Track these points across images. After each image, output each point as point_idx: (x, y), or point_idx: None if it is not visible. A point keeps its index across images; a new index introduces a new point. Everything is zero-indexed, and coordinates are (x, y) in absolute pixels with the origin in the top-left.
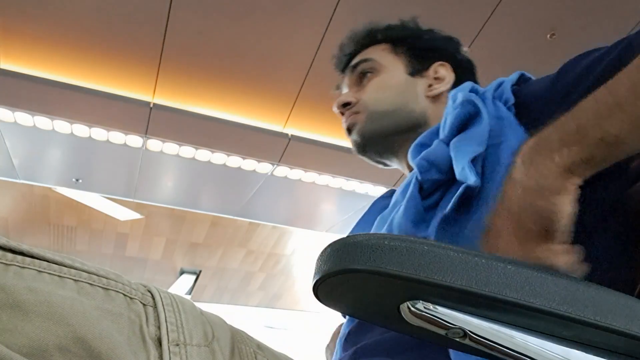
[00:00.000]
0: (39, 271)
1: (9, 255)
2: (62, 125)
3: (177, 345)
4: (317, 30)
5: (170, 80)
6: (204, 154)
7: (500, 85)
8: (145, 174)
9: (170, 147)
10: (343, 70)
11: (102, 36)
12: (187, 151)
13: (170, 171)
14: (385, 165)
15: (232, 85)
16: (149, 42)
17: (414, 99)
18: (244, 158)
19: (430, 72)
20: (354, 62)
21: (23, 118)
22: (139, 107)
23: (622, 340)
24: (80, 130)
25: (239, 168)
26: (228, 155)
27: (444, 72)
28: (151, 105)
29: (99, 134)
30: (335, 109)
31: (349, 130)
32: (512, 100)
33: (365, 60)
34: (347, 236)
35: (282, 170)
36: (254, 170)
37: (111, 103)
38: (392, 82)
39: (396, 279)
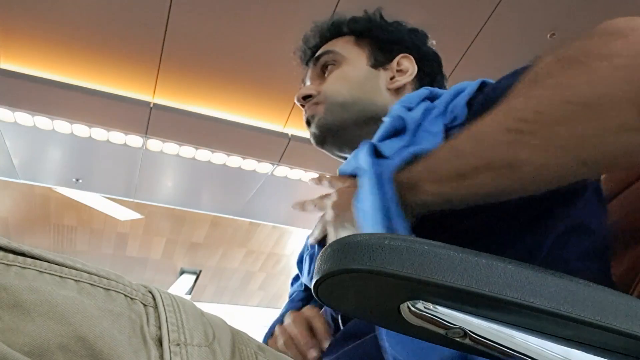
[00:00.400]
0: (40, 271)
1: (10, 256)
2: (62, 125)
3: (178, 345)
4: None
5: (170, 80)
6: (204, 154)
7: (457, 95)
8: (146, 174)
9: (171, 147)
10: (307, 63)
11: (103, 36)
12: (187, 151)
13: (170, 171)
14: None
15: (232, 85)
16: (149, 42)
17: (375, 91)
18: (244, 158)
19: (394, 64)
20: (317, 54)
21: (23, 118)
22: (139, 107)
23: (623, 340)
24: (81, 130)
25: (239, 168)
26: (228, 155)
27: (407, 64)
28: (151, 105)
29: (99, 133)
30: (296, 101)
31: (308, 122)
32: (461, 117)
33: (327, 52)
34: (348, 236)
35: (282, 170)
36: (254, 170)
37: (111, 103)
38: (352, 73)
39: (396, 279)
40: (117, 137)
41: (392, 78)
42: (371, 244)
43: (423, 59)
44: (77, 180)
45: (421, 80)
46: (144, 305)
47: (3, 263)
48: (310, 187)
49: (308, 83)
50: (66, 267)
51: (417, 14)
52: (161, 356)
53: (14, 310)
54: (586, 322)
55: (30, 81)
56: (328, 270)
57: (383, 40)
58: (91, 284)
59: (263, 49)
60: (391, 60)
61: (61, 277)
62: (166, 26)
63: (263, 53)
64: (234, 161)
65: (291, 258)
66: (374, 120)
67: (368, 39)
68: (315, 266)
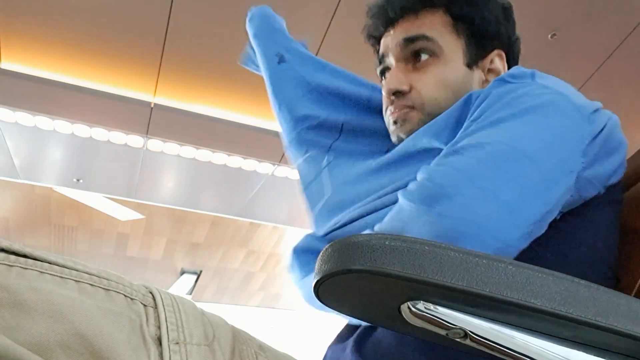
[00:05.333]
0: (41, 272)
1: (12, 257)
2: (63, 125)
3: (177, 343)
4: (318, 30)
5: (171, 80)
6: (204, 154)
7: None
8: (146, 174)
9: (171, 147)
10: (386, 27)
11: (103, 36)
12: (188, 151)
13: (171, 171)
14: None
15: (233, 85)
16: (150, 42)
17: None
18: (244, 158)
19: (486, 62)
20: (410, 34)
21: (24, 118)
22: (140, 107)
23: (623, 340)
24: (81, 130)
25: (240, 168)
26: (229, 155)
27: (499, 64)
28: (152, 105)
29: (99, 134)
30: (384, 93)
31: (396, 122)
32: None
33: (424, 38)
34: (348, 236)
35: (283, 170)
36: (255, 171)
37: (112, 103)
38: (452, 77)
39: (397, 279)
40: (118, 137)
41: (484, 81)
42: (372, 245)
43: (510, 55)
44: (78, 180)
45: None
46: (144, 305)
47: (5, 264)
48: None
49: (392, 63)
50: (67, 268)
51: None
52: (160, 354)
53: (15, 309)
54: (586, 322)
55: (31, 81)
56: (329, 270)
57: (482, 31)
58: (91, 285)
59: None
60: (485, 57)
61: (62, 277)
62: (167, 26)
63: None
64: (235, 161)
65: None
66: None
67: (466, 25)
68: (316, 266)
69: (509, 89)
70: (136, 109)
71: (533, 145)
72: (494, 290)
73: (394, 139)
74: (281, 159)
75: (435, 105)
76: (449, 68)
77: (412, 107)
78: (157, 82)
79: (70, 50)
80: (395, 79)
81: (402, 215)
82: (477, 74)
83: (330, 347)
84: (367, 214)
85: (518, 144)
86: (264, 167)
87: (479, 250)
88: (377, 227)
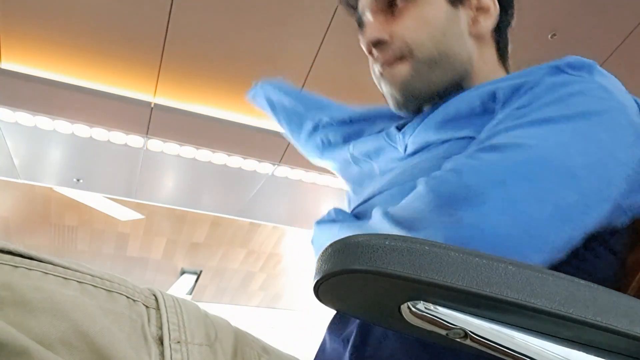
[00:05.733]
0: (45, 273)
1: (17, 258)
2: (63, 125)
3: (179, 342)
4: (318, 30)
5: (171, 80)
6: (204, 154)
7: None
8: (146, 174)
9: (171, 147)
10: None
11: (103, 36)
12: (188, 151)
13: (171, 171)
14: None
15: (233, 85)
16: (151, 42)
17: (459, 39)
18: (244, 158)
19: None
20: None
21: (24, 118)
22: (140, 107)
23: (623, 340)
24: (81, 130)
25: (240, 168)
26: (229, 155)
27: (489, 0)
28: (152, 105)
29: (99, 134)
30: (365, 49)
31: (385, 78)
32: None
33: None
34: (348, 236)
35: (283, 171)
36: (255, 171)
37: (112, 103)
38: (432, 14)
39: (397, 279)
40: (118, 137)
41: (474, 20)
42: (372, 245)
43: None
44: (78, 180)
45: (502, 26)
46: (146, 306)
47: (10, 265)
48: (310, 188)
49: (369, 17)
50: (70, 269)
51: None
52: (162, 353)
53: (19, 307)
54: (587, 322)
55: (31, 81)
56: (329, 270)
57: None
58: (94, 286)
59: (264, 49)
60: None
61: (65, 278)
62: (167, 26)
63: (264, 53)
64: (235, 161)
65: (292, 258)
66: (460, 82)
67: None
68: (316, 266)
69: (564, 81)
70: (136, 109)
71: (580, 160)
72: (494, 290)
73: (392, 104)
74: (281, 159)
75: (422, 48)
76: (429, 7)
77: (400, 58)
78: (157, 82)
79: (70, 50)
80: (373, 28)
81: (419, 206)
82: (464, 13)
83: (329, 332)
84: (385, 190)
85: (564, 155)
86: (264, 167)
87: None
88: (390, 210)
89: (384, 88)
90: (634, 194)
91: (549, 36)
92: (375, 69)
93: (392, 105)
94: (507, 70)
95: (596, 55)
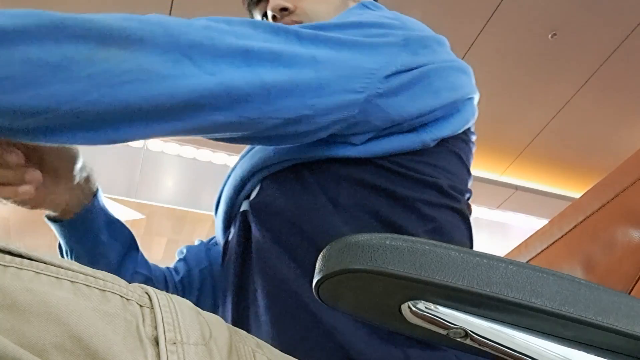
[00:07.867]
0: (37, 272)
1: (7, 257)
2: None
3: (174, 343)
4: None
5: None
6: (204, 154)
7: None
8: (146, 174)
9: (171, 147)
10: None
11: None
12: (188, 151)
13: (171, 171)
14: None
15: None
16: None
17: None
18: None
19: None
20: None
21: None
22: None
23: (624, 340)
24: None
25: None
26: (229, 155)
27: None
28: None
29: None
30: (269, 11)
31: None
32: None
33: None
34: (348, 236)
35: None
36: None
37: None
38: None
39: (397, 279)
40: None
41: None
42: (372, 244)
43: None
44: None
45: None
46: (140, 305)
47: (0, 264)
48: None
49: None
50: (63, 268)
51: (417, 15)
52: (158, 355)
53: (10, 310)
54: (587, 322)
55: None
56: (329, 270)
57: None
58: (87, 285)
59: None
60: None
61: (57, 278)
62: None
63: None
64: (235, 161)
65: None
66: None
67: None
68: (316, 266)
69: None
70: None
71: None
72: (494, 289)
73: None
74: None
75: (320, 19)
76: None
77: (299, 23)
78: None
79: None
80: None
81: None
82: None
83: None
84: None
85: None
86: None
87: None
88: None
89: None
90: (399, 97)
91: (549, 36)
92: None
93: None
94: None
95: (596, 55)
